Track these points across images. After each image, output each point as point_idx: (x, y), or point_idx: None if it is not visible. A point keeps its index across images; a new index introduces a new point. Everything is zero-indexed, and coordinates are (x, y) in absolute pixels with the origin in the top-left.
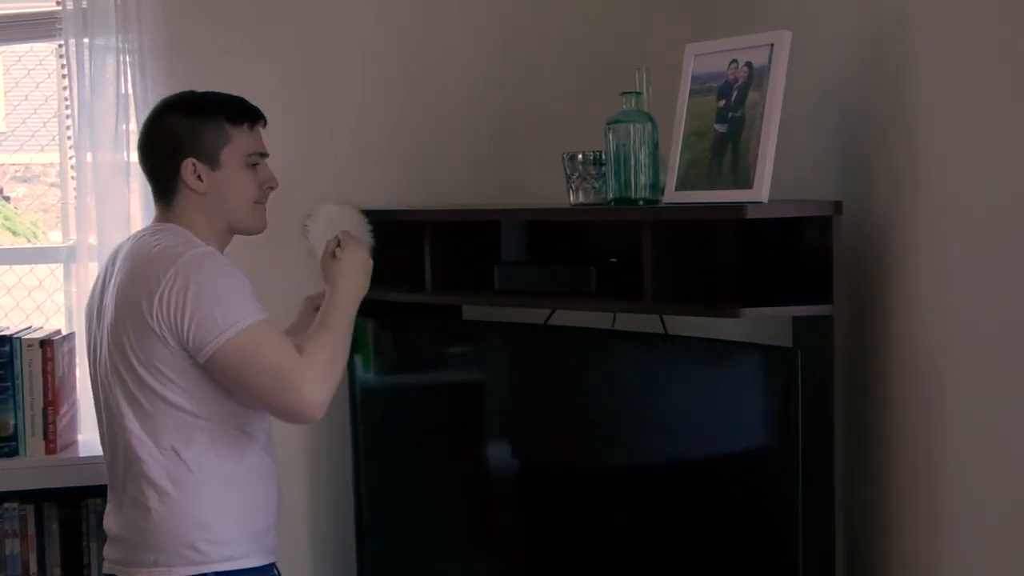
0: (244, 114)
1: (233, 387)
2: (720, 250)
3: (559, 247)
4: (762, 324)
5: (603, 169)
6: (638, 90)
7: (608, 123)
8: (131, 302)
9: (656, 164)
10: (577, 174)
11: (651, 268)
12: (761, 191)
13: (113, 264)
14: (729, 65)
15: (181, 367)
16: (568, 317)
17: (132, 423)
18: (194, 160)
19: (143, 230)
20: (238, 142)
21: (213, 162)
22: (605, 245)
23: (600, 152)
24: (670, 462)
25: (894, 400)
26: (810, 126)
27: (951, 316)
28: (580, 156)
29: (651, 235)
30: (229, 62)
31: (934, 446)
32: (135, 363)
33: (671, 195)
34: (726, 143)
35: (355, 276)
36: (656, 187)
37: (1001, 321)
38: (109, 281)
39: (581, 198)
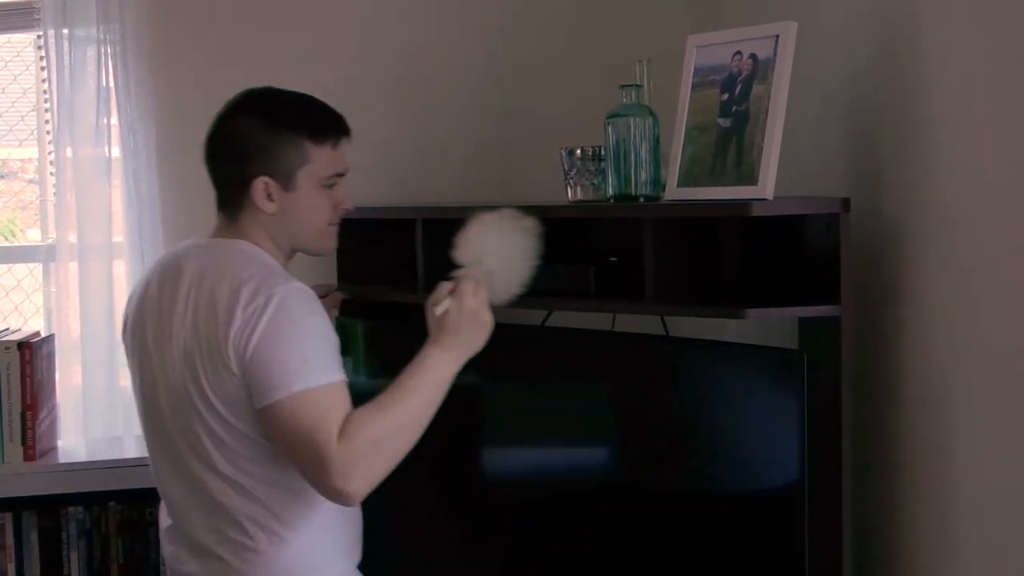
0: (329, 131)
1: (277, 442)
2: (723, 249)
3: (556, 245)
4: (767, 325)
5: (602, 165)
6: (638, 83)
7: (607, 117)
8: (210, 334)
9: (657, 160)
10: (575, 170)
11: (652, 267)
12: (766, 188)
13: (173, 276)
14: (733, 57)
15: (247, 403)
16: (566, 318)
17: (223, 465)
18: (267, 179)
19: (207, 244)
20: (318, 163)
21: (287, 182)
22: (604, 243)
23: (599, 147)
24: (671, 467)
25: (904, 404)
26: (817, 120)
27: (963, 317)
28: (578, 151)
29: (652, 233)
30: (215, 54)
31: (945, 451)
32: (214, 402)
33: (673, 192)
34: (730, 138)
35: (471, 338)
36: (657, 183)
37: (1018, 321)
38: (168, 297)
39: (580, 195)
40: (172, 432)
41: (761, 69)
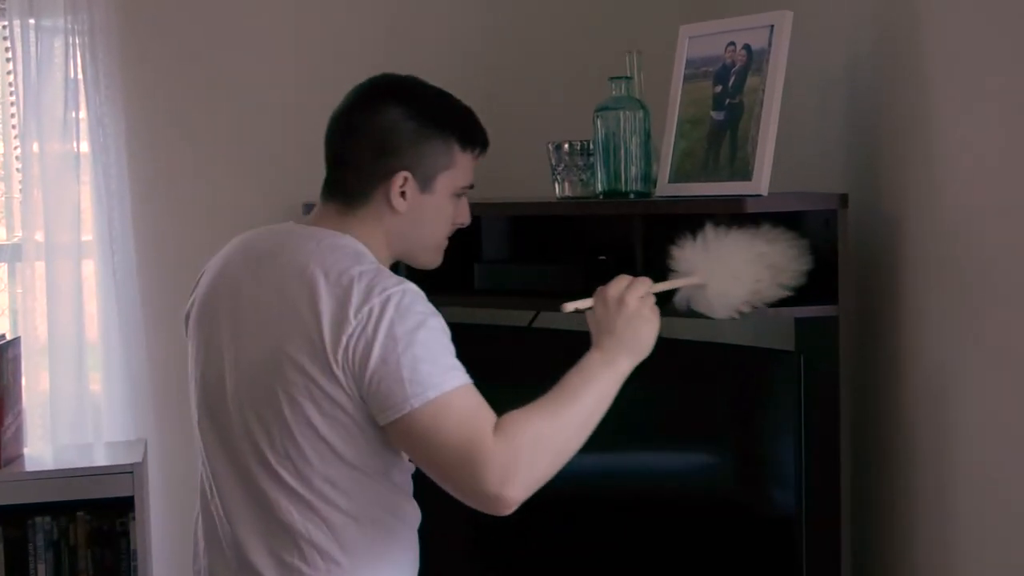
0: (478, 140)
1: (412, 457)
2: None
3: (544, 244)
4: (763, 326)
5: (591, 160)
6: (628, 75)
7: (596, 110)
8: (310, 334)
9: (648, 154)
10: (563, 165)
11: (643, 266)
12: (760, 183)
13: (263, 261)
14: (726, 48)
15: (357, 418)
16: (554, 320)
17: (295, 479)
18: (407, 175)
19: (308, 232)
20: (459, 170)
21: (426, 183)
22: (593, 241)
23: (588, 142)
24: (665, 471)
25: (904, 406)
26: (814, 113)
27: (965, 316)
28: (566, 146)
29: (642, 230)
30: (188, 45)
31: (946, 454)
32: (308, 410)
33: (664, 187)
34: (723, 132)
35: (631, 340)
36: (648, 179)
37: (1021, 321)
38: (255, 283)
39: (568, 191)
40: (237, 435)
41: (756, 60)
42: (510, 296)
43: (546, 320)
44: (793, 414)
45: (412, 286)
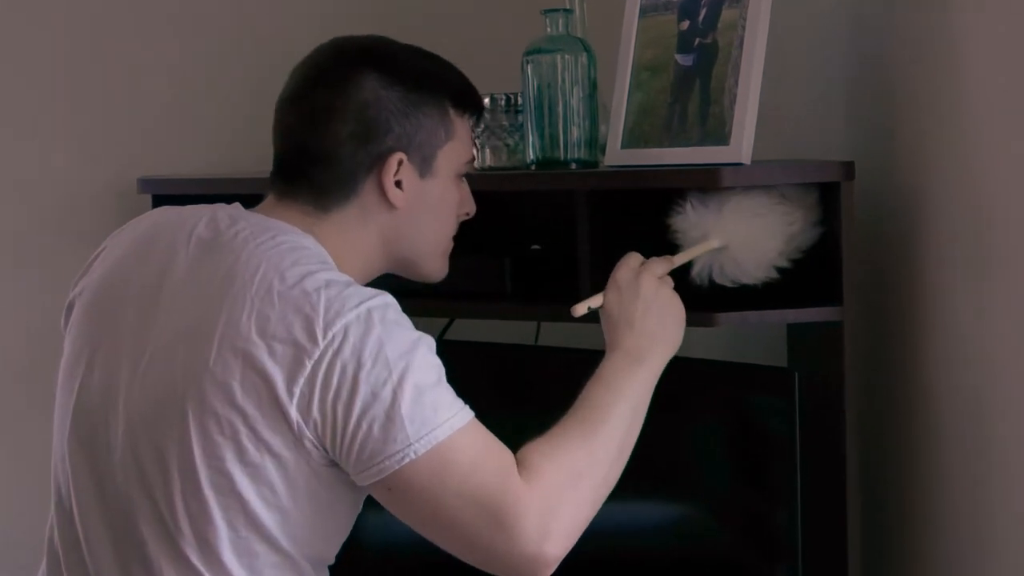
0: (473, 97)
1: (411, 522)
2: None
3: (459, 231)
4: (746, 335)
5: (520, 119)
6: (568, 7)
7: (526, 54)
8: (245, 364)
9: (594, 111)
10: (484, 126)
11: (588, 259)
12: (741, 149)
13: (181, 249)
14: None
15: (294, 475)
16: (472, 329)
17: (182, 546)
18: (402, 156)
19: (260, 221)
20: (460, 140)
21: (426, 165)
22: (523, 227)
23: (515, 95)
24: (629, 529)
25: (930, 435)
26: (809, 57)
27: (1000, 318)
28: (487, 101)
29: (588, 211)
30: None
31: (982, 506)
32: (215, 452)
33: (615, 155)
34: (692, 81)
35: (674, 323)
36: (594, 144)
37: None
38: (161, 285)
39: (489, 160)
40: (121, 478)
41: None
42: (416, 298)
43: (462, 330)
44: (787, 446)
45: (391, 297)
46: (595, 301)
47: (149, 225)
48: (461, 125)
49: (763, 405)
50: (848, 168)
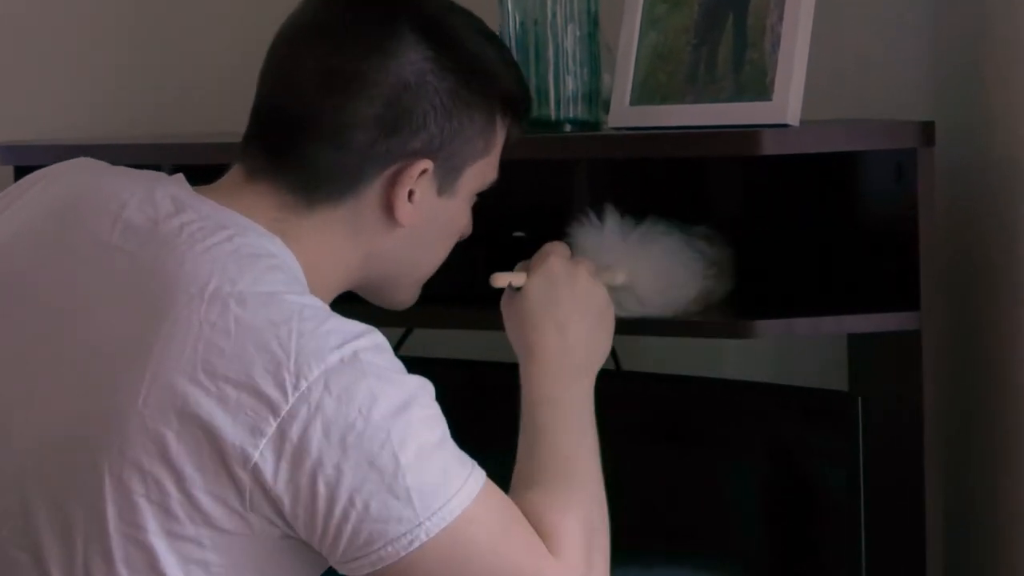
0: (525, 106)
1: None
2: (713, 214)
3: None
4: (794, 349)
5: None
6: None
7: None
8: (185, 411)
9: (595, 58)
10: None
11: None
12: (787, 105)
13: (104, 231)
14: None
15: (238, 555)
16: (438, 340)
17: None
18: (429, 165)
19: (214, 211)
20: (493, 157)
21: (448, 182)
22: (504, 206)
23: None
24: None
25: None
26: None
27: None
28: None
29: (588, 185)
30: None
31: None
32: (136, 519)
33: (623, 114)
34: (723, 18)
35: (610, 326)
36: (596, 100)
37: None
38: (75, 281)
39: None
40: (6, 538)
41: None
42: (359, 303)
43: (424, 342)
44: (846, 501)
45: (379, 334)
46: (518, 280)
47: (59, 195)
48: (501, 139)
49: (816, 439)
50: (927, 131)
